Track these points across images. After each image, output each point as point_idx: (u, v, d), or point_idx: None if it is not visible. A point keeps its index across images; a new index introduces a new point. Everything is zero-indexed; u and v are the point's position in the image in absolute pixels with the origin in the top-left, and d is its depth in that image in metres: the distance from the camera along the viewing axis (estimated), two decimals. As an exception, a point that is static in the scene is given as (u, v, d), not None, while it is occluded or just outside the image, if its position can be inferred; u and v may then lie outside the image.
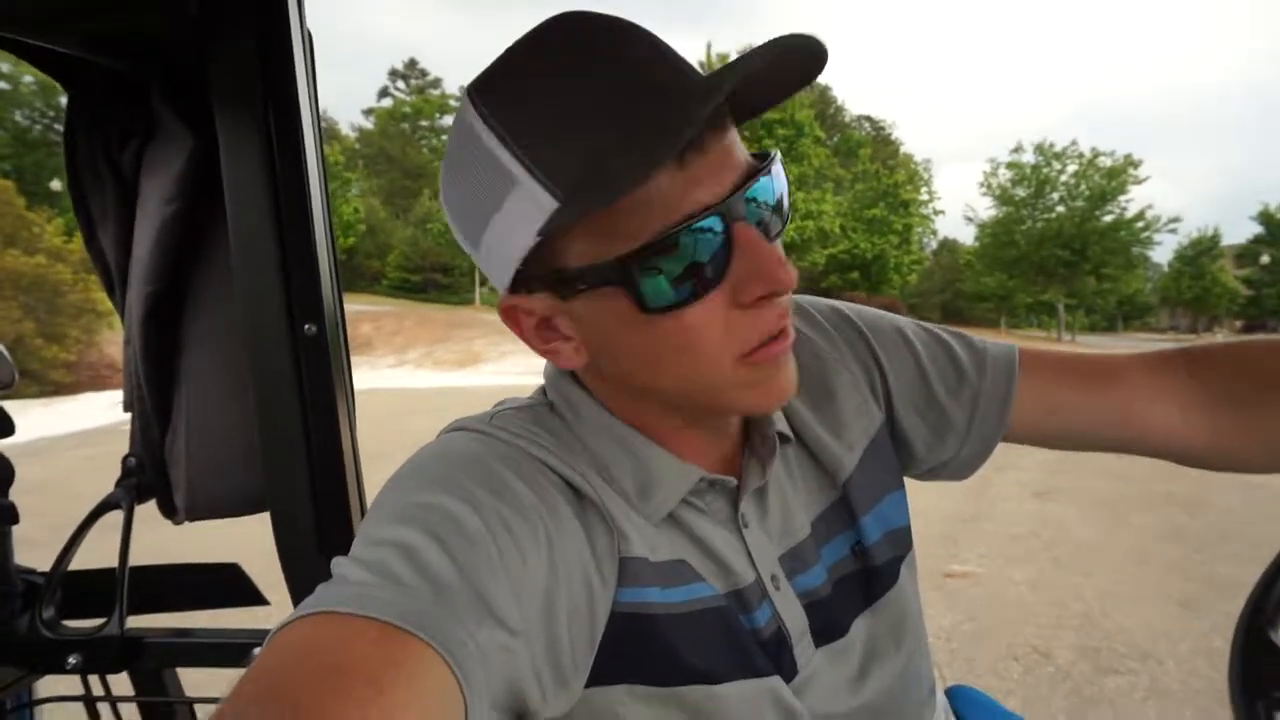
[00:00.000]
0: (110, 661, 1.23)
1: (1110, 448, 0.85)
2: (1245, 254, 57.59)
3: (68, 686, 1.29)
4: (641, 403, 0.69)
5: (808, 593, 0.74)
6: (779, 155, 0.63)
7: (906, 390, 0.83)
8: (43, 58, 1.16)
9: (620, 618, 0.64)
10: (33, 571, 1.29)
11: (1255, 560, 0.91)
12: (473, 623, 0.52)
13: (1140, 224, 42.05)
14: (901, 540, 0.80)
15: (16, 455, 1.28)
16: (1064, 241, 42.62)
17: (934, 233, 57.55)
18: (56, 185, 25.72)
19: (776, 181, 0.62)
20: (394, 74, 65.13)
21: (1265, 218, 54.01)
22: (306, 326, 1.13)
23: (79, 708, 1.31)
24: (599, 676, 0.63)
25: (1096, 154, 42.79)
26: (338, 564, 0.55)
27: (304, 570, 1.17)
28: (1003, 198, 45.52)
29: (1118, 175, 41.75)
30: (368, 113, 64.36)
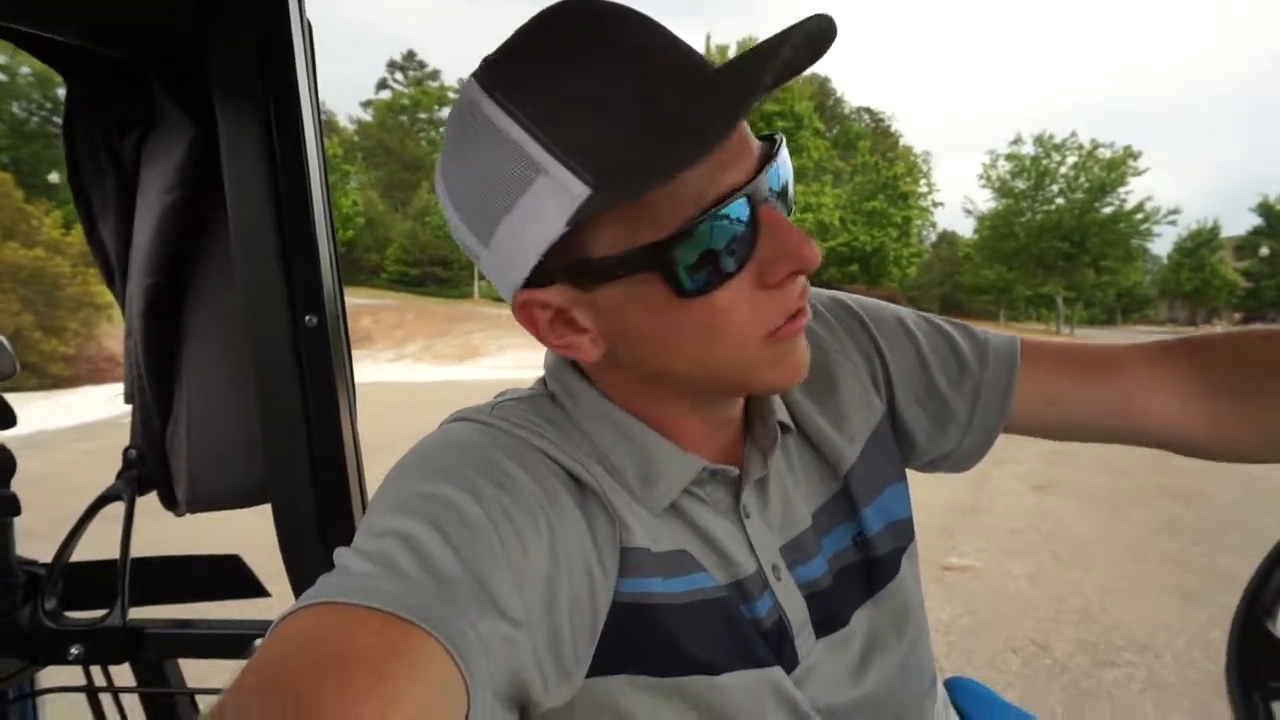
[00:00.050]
0: (112, 652, 1.23)
1: (1111, 438, 0.85)
2: (1244, 246, 57.68)
3: (69, 677, 1.30)
4: (651, 391, 0.69)
5: (809, 583, 0.74)
6: (784, 140, 0.64)
7: (908, 381, 0.83)
8: (42, 47, 1.16)
9: (622, 608, 0.64)
10: (34, 563, 1.29)
11: (1253, 553, 0.91)
12: (474, 613, 0.52)
13: (1140, 216, 42.10)
14: (903, 532, 0.81)
15: (17, 447, 1.28)
16: (1063, 234, 42.65)
17: (933, 225, 57.48)
18: (55, 178, 25.68)
19: (785, 166, 0.63)
20: (392, 66, 65.14)
21: (1265, 209, 54.12)
22: (307, 318, 1.13)
23: (81, 698, 1.31)
24: (600, 667, 0.63)
25: (1096, 145, 42.80)
26: (340, 555, 0.55)
27: (305, 561, 1.17)
28: (1002, 190, 45.52)
29: (1117, 167, 41.74)
30: (366, 105, 64.33)
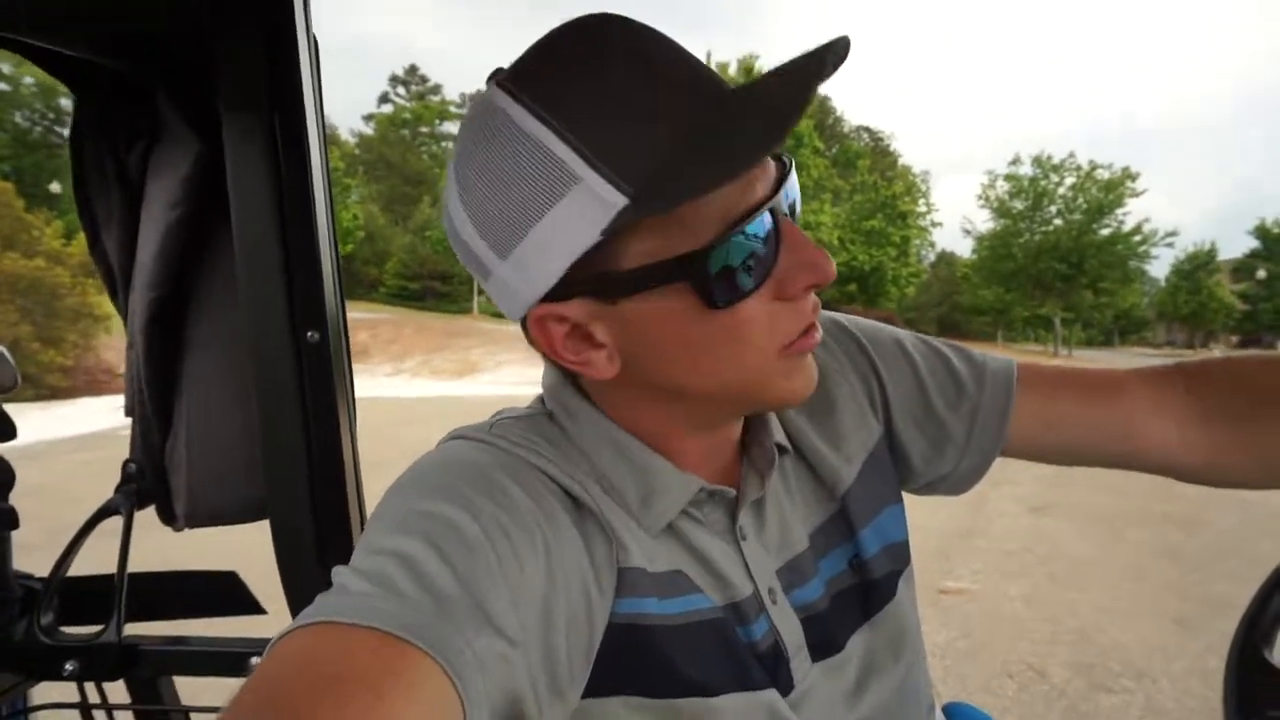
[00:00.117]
0: (107, 669, 1.22)
1: (1107, 463, 0.85)
2: (1242, 268, 57.84)
3: (62, 693, 1.29)
4: (655, 410, 0.69)
5: (805, 606, 0.74)
6: (794, 160, 0.65)
7: (905, 403, 0.83)
8: (49, 60, 1.16)
9: (617, 628, 0.64)
10: (31, 577, 1.28)
11: (1251, 579, 0.91)
12: (471, 631, 0.52)
13: (1137, 238, 42.25)
14: (900, 554, 0.80)
15: (13, 458, 1.28)
16: (1061, 255, 42.79)
17: (932, 245, 57.74)
18: (56, 187, 25.70)
19: (794, 184, 0.64)
20: (394, 80, 65.40)
21: (1261, 232, 54.25)
22: (309, 334, 1.13)
23: (74, 715, 1.30)
24: (595, 687, 0.63)
25: (1094, 167, 43.05)
26: (338, 573, 0.55)
27: (303, 578, 1.17)
28: (1000, 210, 45.70)
29: (1115, 188, 41.92)
30: (368, 118, 64.62)
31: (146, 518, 1.30)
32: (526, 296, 0.63)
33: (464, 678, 0.49)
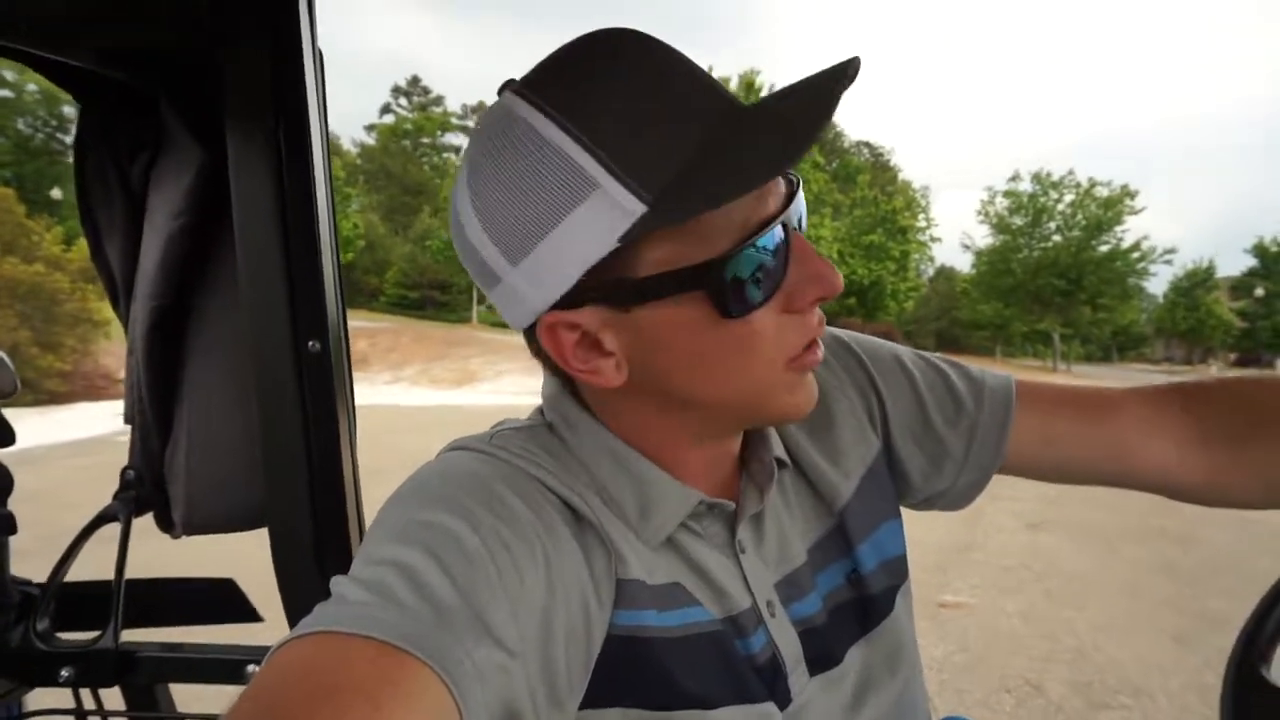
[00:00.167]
0: (104, 675, 1.22)
1: (1105, 481, 0.85)
2: (1240, 286, 57.87)
3: (58, 699, 1.29)
4: (658, 421, 0.69)
5: (803, 620, 0.74)
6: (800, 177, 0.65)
7: (904, 419, 0.84)
8: (55, 70, 1.17)
9: (616, 640, 0.64)
10: (28, 583, 1.28)
11: (1247, 595, 0.91)
12: (470, 642, 0.52)
13: (1136, 254, 42.29)
14: (897, 569, 0.80)
15: (11, 463, 1.28)
16: (1060, 271, 42.83)
17: (931, 260, 57.89)
18: (57, 194, 25.73)
19: (801, 198, 0.65)
20: (397, 90, 65.66)
21: (1260, 250, 54.34)
22: (310, 343, 1.13)
23: None
24: (594, 699, 0.63)
25: (1093, 183, 43.14)
26: (337, 583, 0.55)
27: (301, 587, 1.17)
28: (1000, 226, 45.79)
29: (1114, 205, 42.01)
30: (370, 128, 64.81)
31: (145, 525, 1.30)
32: (536, 303, 0.63)
33: (463, 688, 0.49)
